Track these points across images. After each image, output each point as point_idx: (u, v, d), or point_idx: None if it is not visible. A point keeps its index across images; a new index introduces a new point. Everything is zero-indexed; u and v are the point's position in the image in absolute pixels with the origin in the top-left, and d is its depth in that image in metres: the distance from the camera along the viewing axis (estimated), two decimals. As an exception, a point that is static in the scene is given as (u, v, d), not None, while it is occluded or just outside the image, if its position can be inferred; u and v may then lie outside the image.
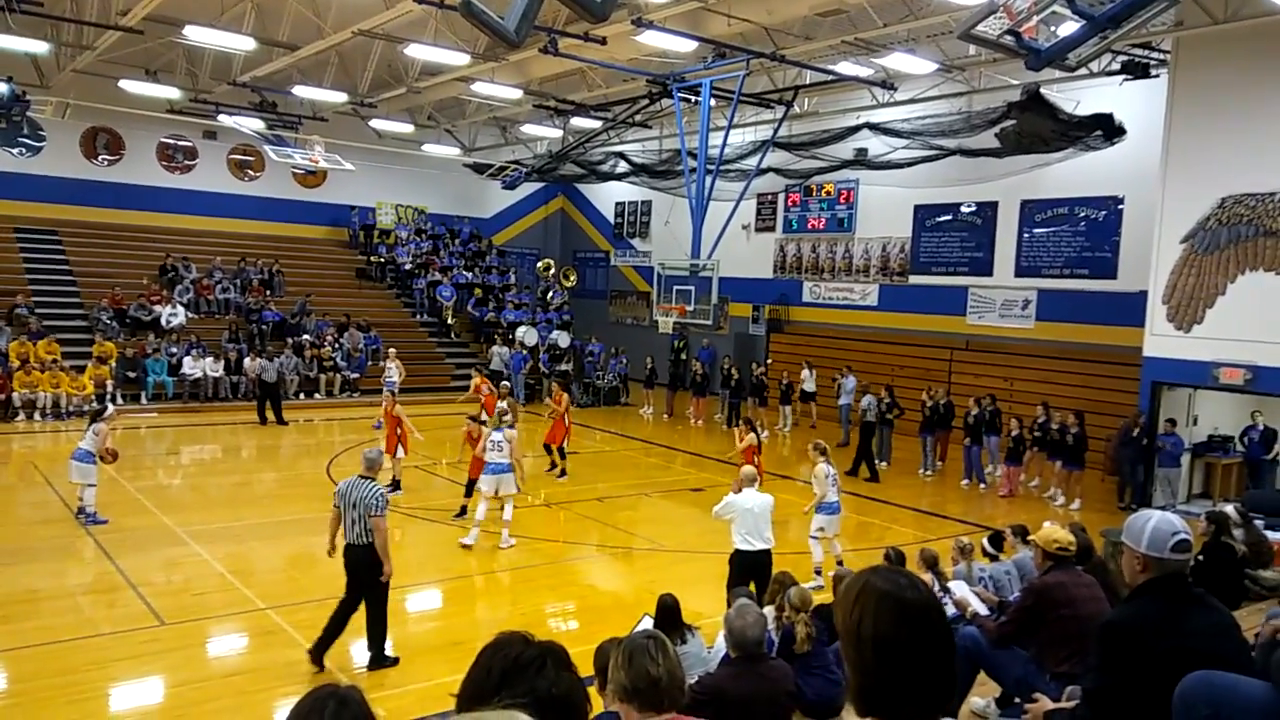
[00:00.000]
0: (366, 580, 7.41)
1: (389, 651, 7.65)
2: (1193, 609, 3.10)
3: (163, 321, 22.09)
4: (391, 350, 20.45)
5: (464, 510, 12.13)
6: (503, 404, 13.45)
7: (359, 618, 7.50)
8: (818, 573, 10.09)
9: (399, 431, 13.68)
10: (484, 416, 17.60)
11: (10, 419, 18.22)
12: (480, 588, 9.90)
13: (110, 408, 13.00)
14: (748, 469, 9.14)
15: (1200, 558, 7.28)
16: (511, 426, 11.47)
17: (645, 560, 11.46)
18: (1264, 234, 13.38)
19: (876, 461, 17.02)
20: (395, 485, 13.41)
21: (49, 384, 18.76)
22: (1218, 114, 13.79)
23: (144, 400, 20.19)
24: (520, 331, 25.79)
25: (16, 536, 10.70)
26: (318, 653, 7.35)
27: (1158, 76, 15.29)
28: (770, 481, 14.09)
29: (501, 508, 11.33)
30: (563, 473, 15.15)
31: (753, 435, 13.04)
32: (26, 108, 20.76)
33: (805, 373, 21.50)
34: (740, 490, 8.74)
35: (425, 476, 15.16)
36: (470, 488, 12.03)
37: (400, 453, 13.66)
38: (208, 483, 14.15)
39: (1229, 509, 8.98)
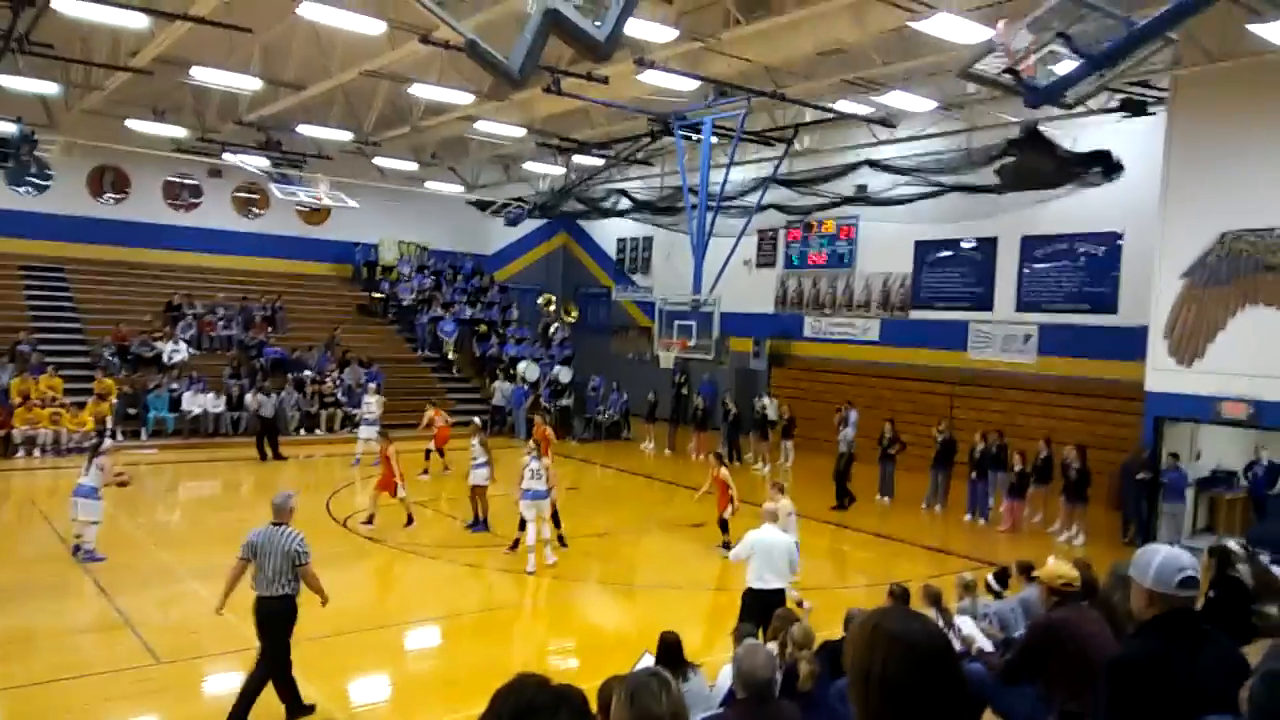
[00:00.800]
0: (278, 633, 6.95)
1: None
2: (1202, 646, 3.05)
3: (165, 358, 22.13)
4: (371, 385, 20.60)
5: (726, 544, 12.25)
6: (475, 441, 13.63)
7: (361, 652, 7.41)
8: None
9: (396, 470, 13.56)
10: (432, 446, 17.75)
11: (10, 455, 18.19)
12: (478, 625, 9.80)
13: (108, 441, 13.05)
14: (768, 505, 9.09)
15: (1211, 594, 7.20)
16: (536, 457, 11.90)
17: (647, 596, 11.36)
18: (1264, 269, 13.41)
19: (878, 496, 17.01)
20: (410, 520, 13.53)
21: (49, 420, 18.75)
22: (1216, 150, 13.89)
23: (144, 436, 20.17)
24: (522, 367, 25.80)
25: (14, 574, 10.62)
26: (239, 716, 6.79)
27: (1155, 114, 15.41)
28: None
29: (524, 527, 11.78)
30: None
31: (723, 469, 12.88)
32: (34, 147, 20.96)
33: (765, 400, 21.64)
34: (761, 525, 8.66)
35: (421, 512, 15.06)
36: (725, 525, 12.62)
37: (401, 491, 13.57)
38: (207, 519, 14.08)
39: (1231, 543, 8.90)
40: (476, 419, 17.14)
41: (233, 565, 7.06)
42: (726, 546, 12.16)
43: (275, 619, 6.92)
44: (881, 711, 1.87)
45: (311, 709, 7.14)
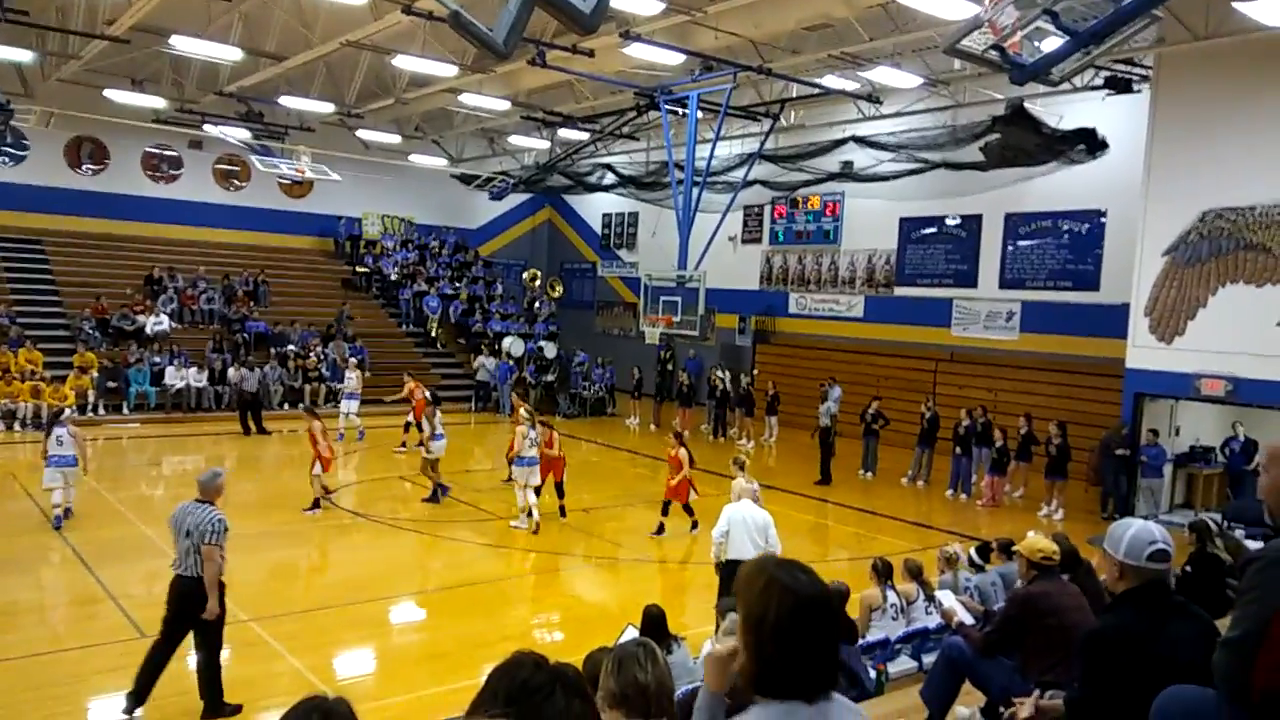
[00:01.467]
0: (195, 616, 6.56)
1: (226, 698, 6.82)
2: (1174, 618, 3.11)
3: (147, 330, 21.94)
4: (353, 360, 20.59)
5: (661, 528, 12.63)
6: (436, 414, 13.81)
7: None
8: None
9: (320, 449, 13.04)
10: (410, 419, 17.77)
11: (-10, 429, 18.04)
12: (463, 599, 9.84)
13: (68, 411, 13.44)
14: (738, 482, 9.13)
15: (1187, 568, 7.33)
16: (533, 427, 12.62)
17: (631, 571, 11.43)
18: (1244, 247, 13.52)
19: (860, 471, 17.19)
20: (316, 504, 12.98)
21: (29, 394, 18.58)
22: (1199, 128, 13.95)
23: (126, 410, 20.03)
24: (507, 342, 25.75)
25: (-6, 548, 10.57)
26: (136, 699, 6.59)
27: (1140, 92, 15.45)
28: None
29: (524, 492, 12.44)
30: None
31: (683, 450, 12.43)
32: (10, 116, 20.61)
33: (720, 373, 21.95)
34: (737, 500, 8.70)
35: (406, 486, 15.08)
36: (667, 508, 12.69)
37: (318, 469, 13.00)
38: (189, 494, 13.99)
39: (1208, 519, 9.05)
40: (426, 393, 17.08)
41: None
42: (694, 526, 12.46)
43: (187, 600, 6.58)
44: (772, 654, 2.02)
45: (238, 709, 6.74)
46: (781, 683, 2.02)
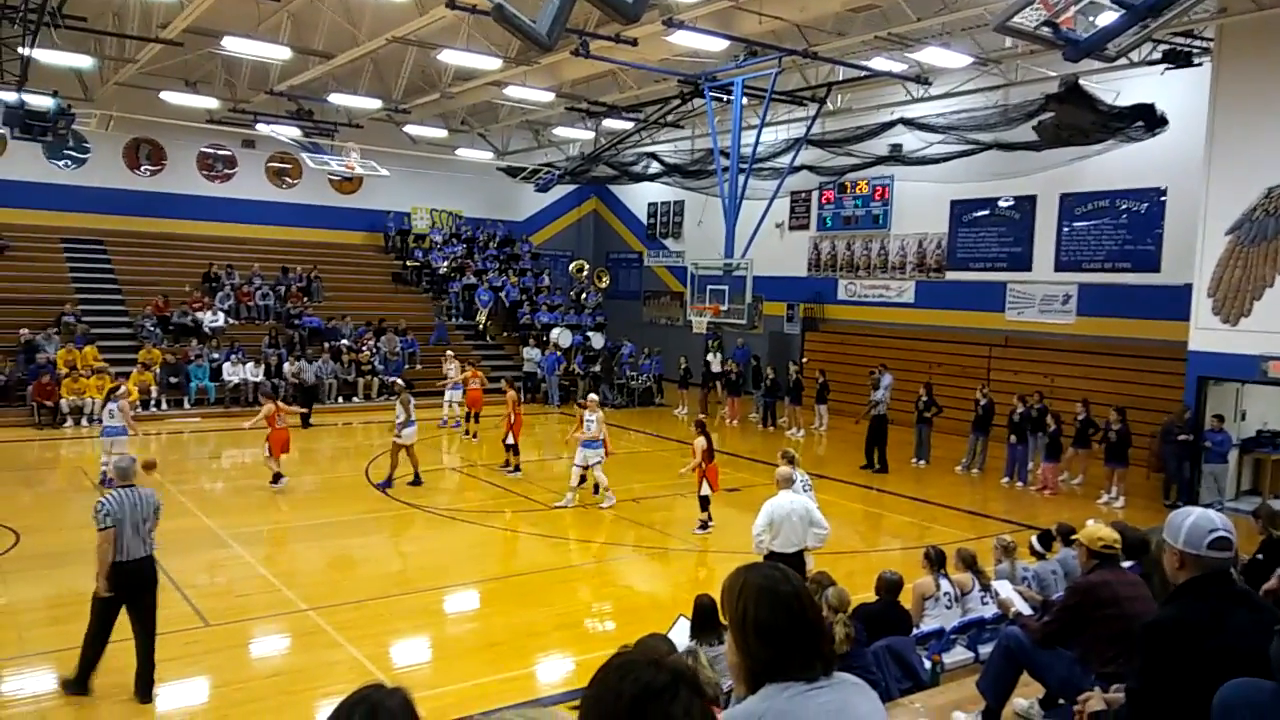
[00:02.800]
0: (151, 596, 6.92)
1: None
2: (1236, 608, 3.02)
3: (204, 327, 22.49)
4: (450, 352, 21.11)
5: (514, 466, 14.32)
6: (399, 402, 14.17)
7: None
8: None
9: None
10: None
11: (59, 425, 18.64)
12: (516, 589, 9.94)
13: (124, 387, 14.90)
14: (782, 469, 9.05)
15: (1258, 556, 7.11)
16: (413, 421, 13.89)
17: (681, 561, 11.45)
18: (1313, 224, 13.04)
19: (914, 460, 16.99)
20: (276, 479, 13.85)
21: (96, 390, 19.16)
22: (1263, 101, 13.46)
23: (187, 405, 20.57)
24: (554, 333, 25.89)
25: (65, 540, 10.90)
26: (80, 682, 6.84)
27: (1200, 65, 14.96)
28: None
29: (582, 477, 13.32)
30: (516, 468, 15.29)
31: (702, 439, 12.20)
32: (71, 121, 21.19)
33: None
34: (778, 492, 8.63)
35: (462, 478, 15.26)
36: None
37: (272, 457, 13.81)
38: (249, 486, 14.36)
39: (1276, 504, 8.76)
40: (399, 381, 17.53)
41: (97, 541, 6.81)
42: (704, 526, 12.17)
43: (148, 580, 6.93)
44: (756, 649, 2.19)
45: (85, 691, 6.91)
46: (774, 673, 2.18)
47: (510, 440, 15.27)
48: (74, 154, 24.46)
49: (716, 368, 23.34)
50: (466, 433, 18.84)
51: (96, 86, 21.93)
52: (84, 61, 19.44)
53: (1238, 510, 12.11)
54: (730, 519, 12.83)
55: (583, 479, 13.46)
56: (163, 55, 18.65)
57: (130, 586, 6.86)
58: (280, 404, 14.51)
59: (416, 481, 14.08)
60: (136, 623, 6.91)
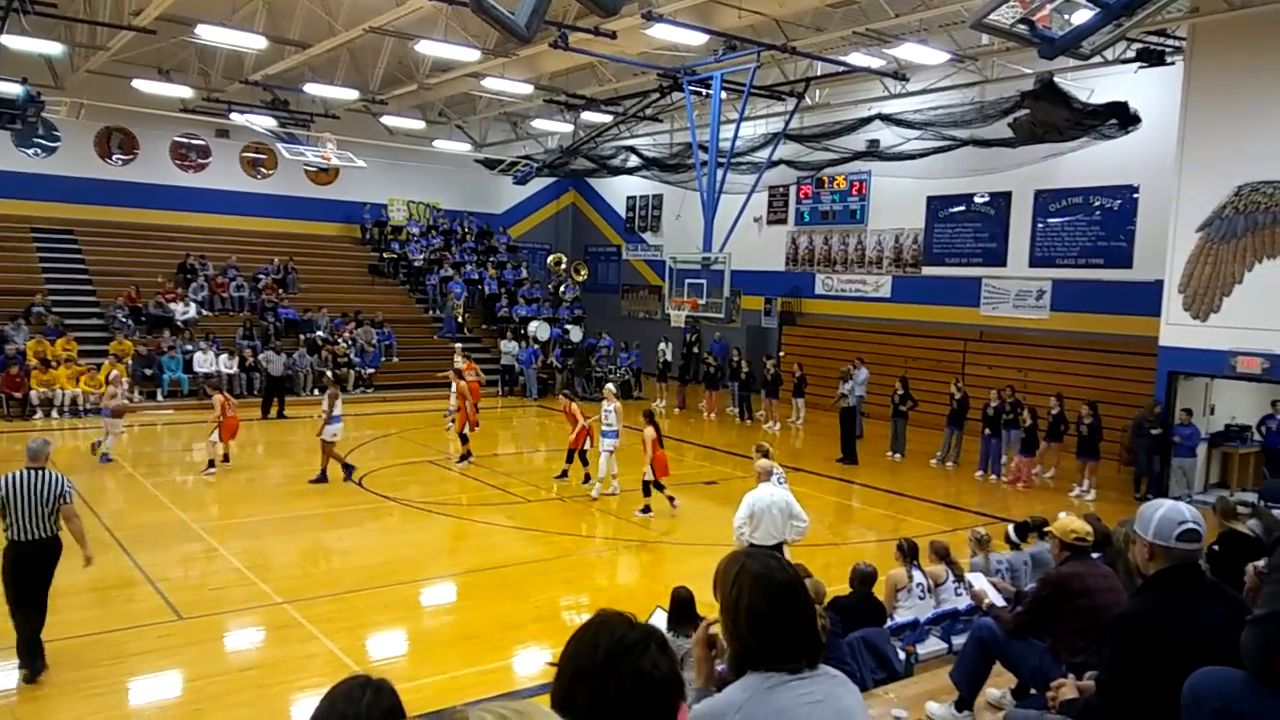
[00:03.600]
0: (47, 576, 7.03)
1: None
2: (1206, 599, 3.08)
3: (177, 319, 22.24)
4: (458, 345, 21.05)
5: (564, 473, 14.27)
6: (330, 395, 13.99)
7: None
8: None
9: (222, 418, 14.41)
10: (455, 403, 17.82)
11: (28, 417, 18.38)
12: (494, 581, 9.93)
13: (115, 373, 16.26)
14: (762, 463, 9.09)
15: (1215, 547, 7.23)
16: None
17: (657, 553, 11.48)
18: (1281, 221, 13.25)
19: (889, 453, 17.12)
20: (211, 465, 14.38)
21: (67, 381, 18.91)
22: (1234, 101, 13.65)
23: (160, 397, 20.34)
24: (532, 326, 25.83)
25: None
26: (23, 658, 6.94)
27: (1173, 64, 15.14)
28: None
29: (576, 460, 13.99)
30: (465, 456, 15.39)
31: (651, 428, 12.44)
32: (41, 108, 20.89)
33: (662, 345, 22.94)
34: (757, 485, 8.67)
35: (440, 471, 15.21)
36: (571, 456, 14.09)
37: (214, 437, 14.55)
38: (223, 479, 14.24)
39: (1245, 497, 8.93)
40: (329, 373, 17.47)
41: None
42: (645, 510, 12.52)
43: (44, 559, 6.98)
44: (747, 637, 2.21)
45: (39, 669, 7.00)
46: (760, 661, 2.20)
47: (464, 431, 15.57)
48: (44, 142, 24.09)
49: (669, 356, 23.80)
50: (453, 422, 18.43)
51: (67, 74, 21.60)
52: (54, 48, 19.15)
53: (1204, 503, 12.30)
54: (708, 512, 12.89)
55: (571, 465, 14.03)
56: (135, 43, 18.39)
57: (27, 567, 6.92)
58: (227, 395, 15.19)
59: (322, 479, 13.66)
60: (29, 603, 6.95)
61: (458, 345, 21.19)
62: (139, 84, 21.21)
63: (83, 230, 24.22)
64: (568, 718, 1.77)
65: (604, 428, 13.48)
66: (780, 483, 9.36)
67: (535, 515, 12.68)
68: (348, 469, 14.10)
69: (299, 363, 21.70)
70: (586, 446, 14.01)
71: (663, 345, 23.94)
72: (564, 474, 14.32)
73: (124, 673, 7.24)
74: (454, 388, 18.25)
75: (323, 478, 13.73)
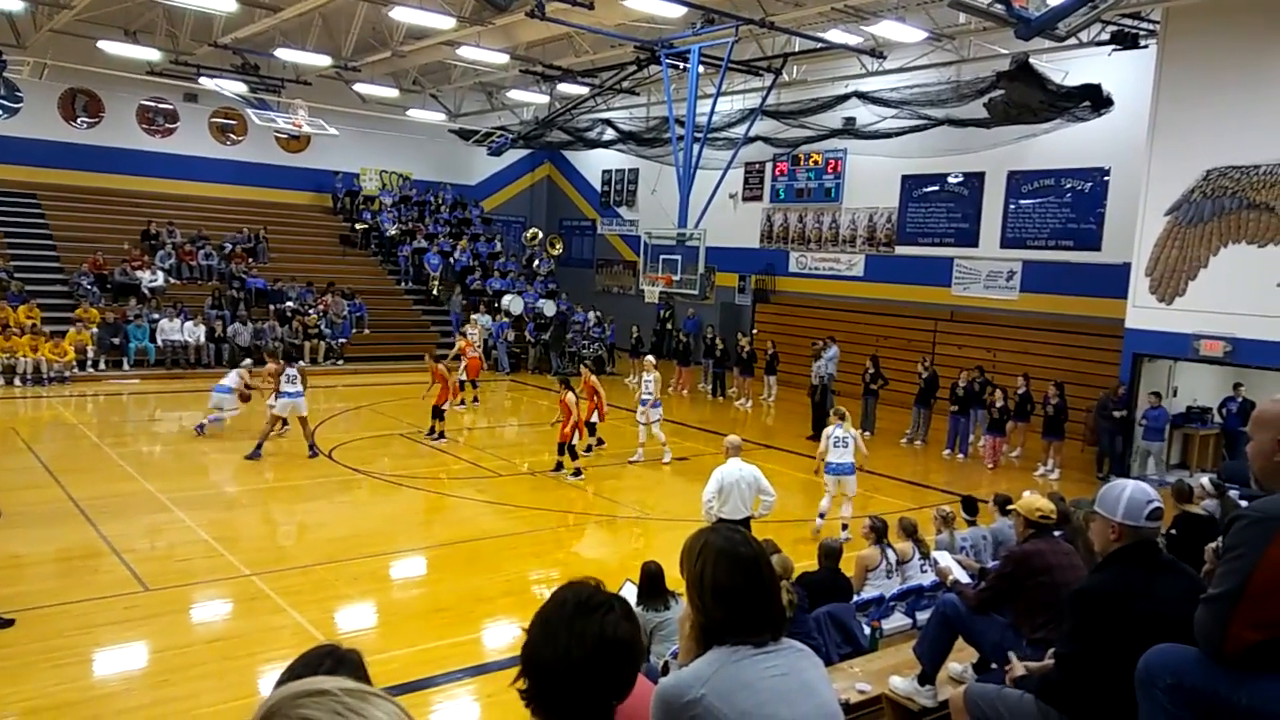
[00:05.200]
0: None
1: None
2: (1163, 576, 3.15)
3: (144, 286, 21.89)
4: (475, 318, 21.57)
5: (559, 466, 13.41)
6: (293, 371, 13.76)
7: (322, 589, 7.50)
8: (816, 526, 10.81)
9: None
10: (463, 377, 17.69)
11: (-9, 384, 18.08)
12: (464, 555, 9.94)
13: (248, 361, 16.41)
14: (731, 437, 9.16)
15: (1172, 531, 7.39)
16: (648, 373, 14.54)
17: (629, 528, 11.54)
18: (1247, 206, 13.44)
19: (860, 431, 17.28)
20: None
21: (29, 349, 18.59)
22: (1205, 86, 13.78)
23: (126, 366, 20.06)
24: (506, 300, 25.70)
25: (-2, 502, 10.66)
26: None
27: (1146, 47, 15.25)
28: (753, 451, 14.21)
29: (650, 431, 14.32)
30: (440, 434, 15.28)
31: (570, 394, 13.06)
32: (3, 68, 20.37)
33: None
34: (726, 460, 8.75)
35: (412, 445, 15.16)
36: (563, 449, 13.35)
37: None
38: (191, 449, 14.10)
39: (1202, 480, 9.12)
40: (280, 346, 17.42)
41: None
42: (577, 474, 13.07)
43: None
44: (711, 608, 2.26)
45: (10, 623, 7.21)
46: (724, 634, 2.24)
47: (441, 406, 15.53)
48: (6, 103, 23.50)
49: (640, 334, 23.71)
50: (462, 402, 18.19)
51: (30, 32, 21.05)
52: (15, 4, 18.66)
53: (1163, 483, 12.54)
54: (679, 488, 12.96)
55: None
56: (100, 2, 17.96)
57: None
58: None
59: (255, 455, 13.33)
60: None
61: (467, 331, 20.80)
62: (104, 45, 20.73)
63: (46, 195, 23.72)
64: (534, 671, 1.90)
65: (644, 396, 14.28)
66: (836, 444, 10.63)
67: (506, 489, 12.69)
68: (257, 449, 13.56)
69: (267, 334, 21.46)
70: (575, 440, 13.35)
71: (635, 328, 23.80)
72: (577, 472, 13.21)
73: (89, 643, 7.18)
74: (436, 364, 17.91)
75: (256, 453, 13.37)
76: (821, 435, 11.27)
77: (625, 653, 1.93)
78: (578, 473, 13.13)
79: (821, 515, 10.96)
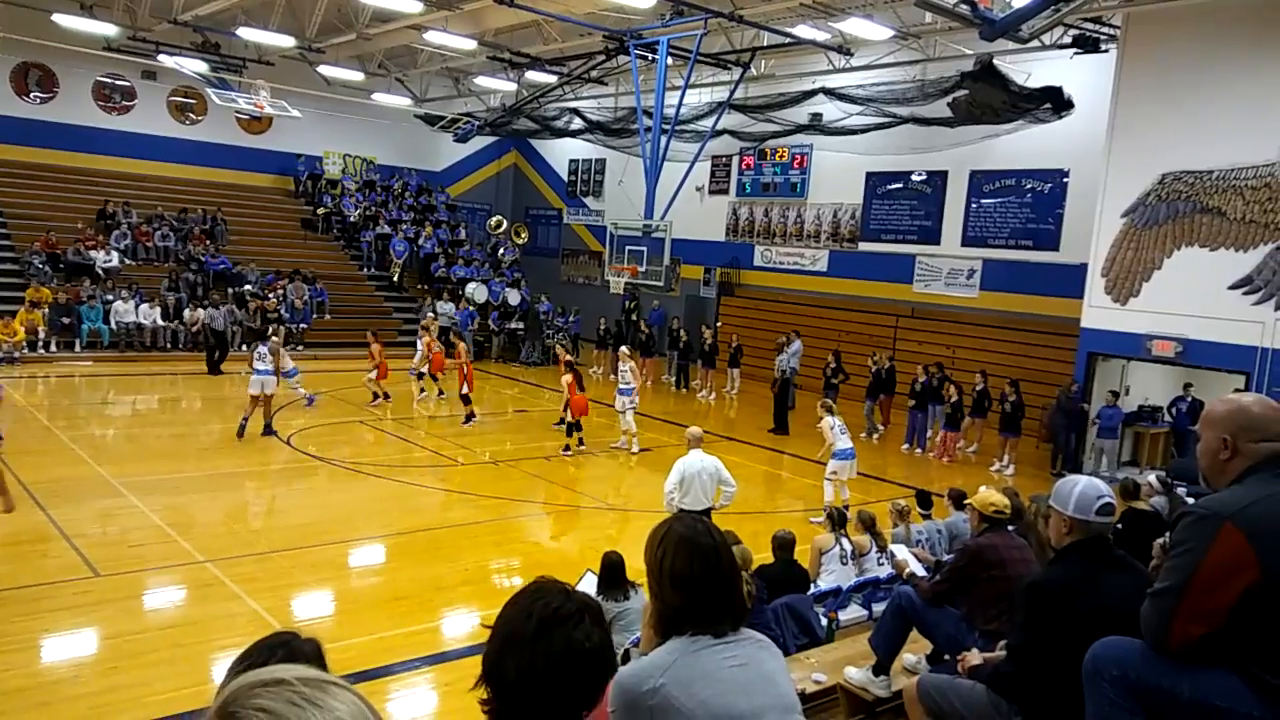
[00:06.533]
0: None
1: None
2: (1113, 570, 3.23)
3: (96, 267, 21.41)
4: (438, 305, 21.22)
5: (567, 448, 14.17)
6: (266, 349, 13.86)
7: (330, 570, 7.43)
8: (825, 512, 10.71)
9: None
10: (423, 369, 17.55)
11: (-64, 364, 17.60)
12: (424, 543, 9.89)
13: (271, 328, 16.21)
14: (693, 429, 9.22)
15: (1118, 526, 7.56)
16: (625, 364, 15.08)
17: (590, 518, 11.55)
18: (1200, 210, 13.74)
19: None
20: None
21: (-21, 329, 18.13)
22: (1163, 91, 14.05)
23: (78, 348, 19.63)
24: (470, 288, 25.52)
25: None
26: None
27: (1107, 51, 15.51)
28: (714, 443, 14.28)
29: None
30: (470, 416, 15.69)
31: (569, 375, 13.89)
32: (-48, 39, 19.79)
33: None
34: (688, 451, 8.80)
35: (373, 432, 15.03)
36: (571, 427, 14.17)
37: None
38: (145, 433, 13.86)
39: (1151, 477, 9.34)
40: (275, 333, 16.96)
41: None
42: (566, 449, 14.09)
43: None
44: (669, 596, 2.26)
45: None
46: (683, 622, 2.24)
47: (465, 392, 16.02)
48: (-46, 75, 22.83)
49: (606, 325, 23.51)
50: (441, 393, 18.08)
51: (-20, 4, 20.46)
52: (-34, -25, 18.11)
53: (1114, 479, 12.81)
54: (641, 478, 12.99)
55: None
56: (55, -26, 17.50)
57: None
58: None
59: (246, 431, 13.53)
60: None
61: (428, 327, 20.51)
62: (59, 18, 20.19)
63: (-4, 170, 23.10)
64: (497, 683, 1.80)
65: (622, 386, 14.57)
66: (841, 431, 11.07)
67: (468, 478, 12.63)
68: (265, 429, 13.76)
69: (226, 317, 21.10)
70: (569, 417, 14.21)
71: (602, 319, 23.70)
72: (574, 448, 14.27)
73: (38, 629, 7.05)
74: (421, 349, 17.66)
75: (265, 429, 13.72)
76: (822, 426, 11.52)
77: (596, 663, 1.84)
78: (566, 449, 14.07)
79: (828, 506, 10.89)
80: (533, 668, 1.77)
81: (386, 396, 16.52)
